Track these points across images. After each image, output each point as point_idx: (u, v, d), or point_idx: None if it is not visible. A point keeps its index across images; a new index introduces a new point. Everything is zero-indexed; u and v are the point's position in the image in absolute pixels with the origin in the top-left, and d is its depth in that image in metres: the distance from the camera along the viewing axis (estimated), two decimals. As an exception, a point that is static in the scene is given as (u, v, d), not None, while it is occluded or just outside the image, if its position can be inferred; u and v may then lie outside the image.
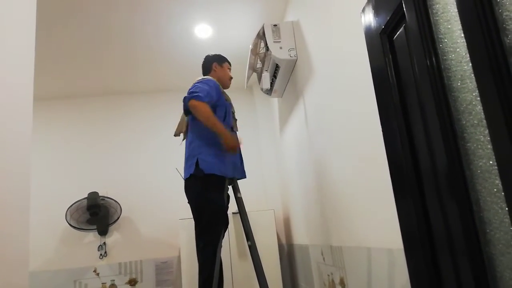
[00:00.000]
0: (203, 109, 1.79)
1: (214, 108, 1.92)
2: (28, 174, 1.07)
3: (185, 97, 1.86)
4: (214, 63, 2.14)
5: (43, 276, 3.03)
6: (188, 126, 2.00)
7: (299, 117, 2.34)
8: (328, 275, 1.92)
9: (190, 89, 1.91)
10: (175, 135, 2.11)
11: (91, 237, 3.21)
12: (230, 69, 2.21)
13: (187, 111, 1.89)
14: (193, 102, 1.79)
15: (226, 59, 2.20)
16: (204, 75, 2.15)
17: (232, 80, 2.20)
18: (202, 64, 2.19)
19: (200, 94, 1.81)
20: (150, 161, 3.37)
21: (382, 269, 1.23)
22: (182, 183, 1.95)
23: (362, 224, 1.41)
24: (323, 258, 2.00)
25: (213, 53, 2.21)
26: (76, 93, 3.44)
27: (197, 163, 1.84)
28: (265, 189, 3.37)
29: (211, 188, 1.84)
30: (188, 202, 1.93)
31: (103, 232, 3.17)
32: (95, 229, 3.14)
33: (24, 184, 1.06)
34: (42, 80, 3.08)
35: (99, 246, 3.17)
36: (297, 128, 2.44)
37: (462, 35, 0.72)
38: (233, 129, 2.03)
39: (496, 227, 0.70)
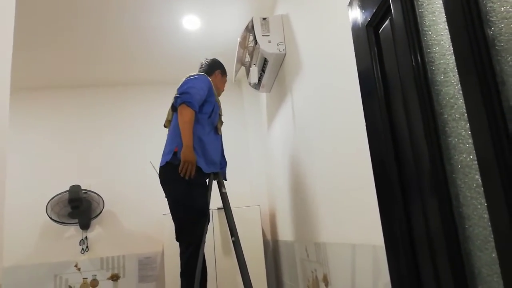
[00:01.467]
0: (187, 117, 1.79)
1: (202, 103, 1.89)
2: (4, 165, 1.03)
3: (178, 97, 1.84)
4: (218, 70, 2.18)
5: (22, 271, 2.95)
6: (173, 116, 1.97)
7: (287, 112, 2.32)
8: (312, 272, 1.91)
9: (183, 85, 1.88)
10: (165, 126, 2.07)
11: (73, 231, 3.13)
12: (226, 82, 2.26)
13: (175, 108, 1.88)
14: (184, 107, 1.80)
15: (226, 73, 2.25)
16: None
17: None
18: (207, 63, 2.18)
19: (192, 101, 1.81)
20: (134, 155, 3.30)
21: (366, 266, 1.23)
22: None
23: (346, 221, 1.40)
24: (307, 255, 1.99)
25: (220, 61, 2.23)
26: (57, 84, 3.34)
27: (175, 151, 1.79)
28: (251, 185, 3.35)
29: (191, 182, 1.76)
30: (165, 197, 1.86)
31: (85, 226, 3.10)
32: (76, 223, 3.07)
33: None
34: (24, 69, 2.98)
35: (80, 241, 3.10)
36: (284, 124, 2.43)
37: (447, 27, 0.71)
38: (217, 131, 1.99)
39: (475, 223, 0.69)
